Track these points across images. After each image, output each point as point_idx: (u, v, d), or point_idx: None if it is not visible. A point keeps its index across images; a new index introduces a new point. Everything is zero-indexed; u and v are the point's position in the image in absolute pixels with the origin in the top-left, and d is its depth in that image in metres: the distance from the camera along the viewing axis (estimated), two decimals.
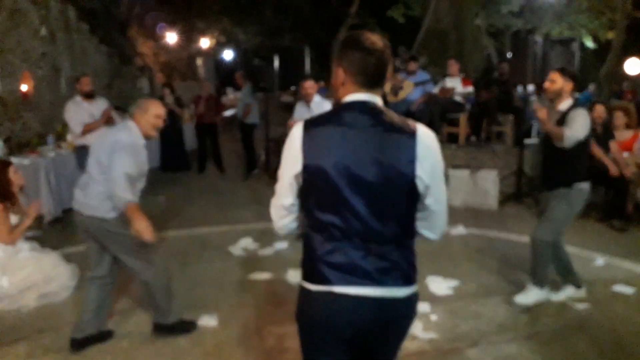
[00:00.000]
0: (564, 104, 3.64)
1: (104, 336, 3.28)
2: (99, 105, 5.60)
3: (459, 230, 5.53)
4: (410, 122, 1.64)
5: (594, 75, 16.30)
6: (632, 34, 15.64)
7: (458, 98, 7.36)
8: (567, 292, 3.88)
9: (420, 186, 1.59)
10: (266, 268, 4.45)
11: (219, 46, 17.29)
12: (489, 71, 12.06)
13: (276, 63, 7.78)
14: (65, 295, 3.89)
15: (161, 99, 7.98)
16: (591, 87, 13.10)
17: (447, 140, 7.19)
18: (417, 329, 3.36)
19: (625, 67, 13.10)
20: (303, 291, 1.66)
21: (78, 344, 3.15)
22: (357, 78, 1.61)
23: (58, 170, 5.79)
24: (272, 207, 1.72)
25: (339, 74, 1.64)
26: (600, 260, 4.63)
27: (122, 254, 3.09)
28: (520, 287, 4.00)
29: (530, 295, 3.80)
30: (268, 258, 4.76)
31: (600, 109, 5.74)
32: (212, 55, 17.14)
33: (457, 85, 7.43)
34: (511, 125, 7.72)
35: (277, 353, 3.14)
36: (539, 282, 3.78)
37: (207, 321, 3.49)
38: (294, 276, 4.24)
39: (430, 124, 7.30)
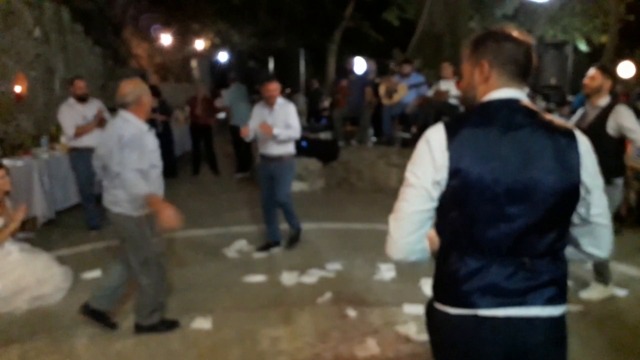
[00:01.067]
0: (603, 100, 3.77)
1: (110, 323, 3.43)
2: (93, 108, 5.57)
3: None
4: (562, 122, 1.49)
5: None
6: (625, 38, 15.79)
7: (452, 100, 7.38)
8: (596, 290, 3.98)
9: (582, 193, 1.43)
10: (260, 271, 4.44)
11: (213, 48, 17.29)
12: None
13: (271, 65, 7.77)
14: (59, 298, 3.87)
15: None
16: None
17: None
18: (411, 331, 3.37)
19: (618, 70, 13.19)
20: (438, 314, 1.50)
21: (88, 311, 3.38)
22: (507, 68, 1.47)
23: (51, 172, 5.76)
24: (395, 221, 1.47)
25: (483, 68, 1.49)
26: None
27: (131, 252, 3.22)
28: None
29: (595, 292, 3.95)
30: (262, 260, 4.76)
31: None
32: (207, 57, 17.13)
33: (451, 88, 7.45)
34: None
35: (271, 356, 3.13)
36: (605, 280, 3.95)
37: (201, 323, 3.49)
38: (288, 278, 4.26)
39: (424, 127, 7.32)
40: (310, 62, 18.37)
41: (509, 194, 1.38)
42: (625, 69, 12.81)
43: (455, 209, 1.43)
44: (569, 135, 1.44)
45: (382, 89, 7.89)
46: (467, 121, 1.46)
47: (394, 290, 4.08)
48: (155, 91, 8.19)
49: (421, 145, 1.47)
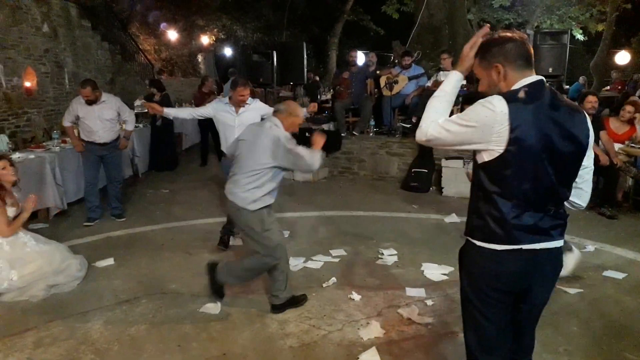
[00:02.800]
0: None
1: (298, 300, 3.68)
2: (106, 107, 5.48)
3: (453, 218, 5.67)
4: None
5: (584, 67, 16.48)
6: (622, 26, 15.82)
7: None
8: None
9: (586, 157, 1.87)
10: None
11: (218, 43, 17.36)
12: None
13: (275, 59, 7.87)
14: (74, 286, 3.98)
15: (150, 98, 8.02)
16: (581, 79, 13.27)
17: None
18: (413, 314, 3.49)
19: (615, 58, 13.27)
20: (486, 254, 1.86)
21: (278, 308, 3.59)
22: (518, 63, 1.80)
23: (63, 164, 5.88)
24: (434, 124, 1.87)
25: (499, 69, 1.82)
26: (590, 247, 4.77)
27: (250, 241, 3.49)
28: None
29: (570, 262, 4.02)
30: None
31: (592, 99, 5.87)
32: (213, 51, 17.21)
33: None
34: None
35: (279, 337, 3.24)
36: (569, 247, 4.06)
37: (211, 308, 3.61)
38: (294, 264, 4.37)
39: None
40: (313, 56, 18.45)
41: (550, 159, 1.76)
42: (621, 57, 12.90)
43: (509, 168, 1.76)
44: (581, 112, 1.86)
45: (382, 81, 7.99)
46: (523, 97, 1.75)
47: (396, 275, 4.21)
48: (158, 85, 8.32)
49: (484, 110, 1.76)
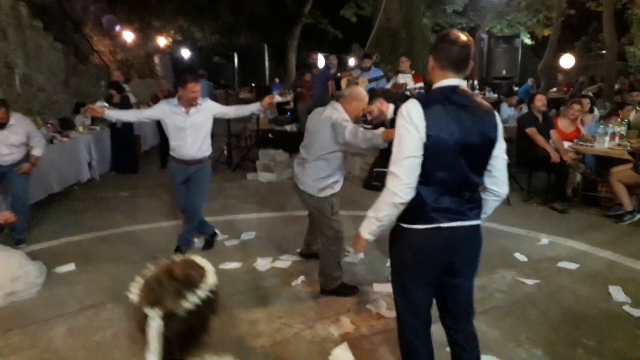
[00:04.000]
0: None
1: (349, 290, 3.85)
2: (14, 131, 4.85)
3: None
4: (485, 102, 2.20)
5: (532, 69, 17.22)
6: (567, 31, 16.66)
7: (417, 91, 7.67)
8: None
9: (495, 148, 2.13)
10: (235, 258, 4.55)
11: (175, 44, 17.07)
12: None
13: (236, 61, 7.84)
14: (33, 293, 3.86)
15: (109, 99, 7.84)
16: (529, 81, 13.89)
17: None
18: (382, 308, 3.58)
19: (560, 61, 13.96)
20: (412, 233, 2.12)
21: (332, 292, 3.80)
22: (444, 63, 2.07)
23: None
24: (407, 180, 2.03)
25: (431, 62, 2.12)
26: (545, 240, 5.00)
27: (321, 223, 3.70)
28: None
29: None
30: (235, 248, 4.86)
31: (541, 100, 6.17)
32: (169, 53, 16.92)
33: (408, 81, 7.74)
34: None
35: (251, 338, 3.24)
36: None
37: None
38: (262, 264, 4.38)
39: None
40: (272, 58, 18.41)
41: (461, 150, 2.02)
42: (566, 61, 13.58)
43: (429, 158, 2.02)
44: (491, 111, 2.15)
45: (344, 82, 8.10)
46: (433, 100, 2.05)
47: (363, 271, 4.29)
48: (117, 87, 8.12)
49: (404, 117, 2.01)
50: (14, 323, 3.43)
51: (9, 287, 3.73)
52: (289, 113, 9.08)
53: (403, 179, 2.01)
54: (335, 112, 3.47)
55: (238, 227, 5.42)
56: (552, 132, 6.08)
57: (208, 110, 4.47)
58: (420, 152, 1.99)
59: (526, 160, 6.30)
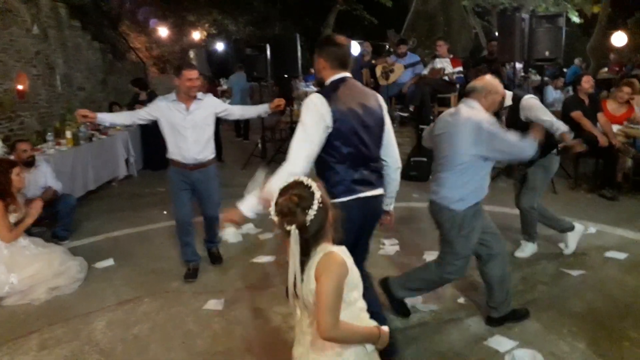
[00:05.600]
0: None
1: (519, 315, 3.26)
2: (39, 174, 5.00)
3: None
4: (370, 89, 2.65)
5: (580, 49, 16.41)
6: (617, 7, 15.74)
7: (448, 78, 7.44)
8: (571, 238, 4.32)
9: (385, 125, 2.57)
10: (268, 252, 4.55)
11: (210, 38, 17.26)
12: (477, 50, 12.11)
13: (268, 52, 7.80)
14: (75, 288, 3.97)
15: (136, 98, 7.94)
16: (577, 61, 13.21)
17: None
18: (417, 301, 3.49)
19: (611, 40, 13.18)
20: (338, 205, 2.18)
21: (496, 322, 3.21)
22: (334, 63, 2.47)
23: (57, 166, 5.83)
24: (302, 159, 2.32)
25: (320, 63, 2.49)
26: (592, 229, 4.76)
27: (443, 242, 3.13)
28: (513, 257, 4.16)
29: (527, 250, 4.26)
30: (269, 242, 4.85)
31: (588, 81, 5.83)
32: (204, 47, 17.13)
33: (446, 66, 7.51)
34: None
35: (284, 331, 3.23)
36: (532, 239, 4.29)
37: (215, 305, 3.60)
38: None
39: (421, 105, 7.40)
40: (306, 48, 18.35)
41: (362, 129, 2.42)
42: (618, 39, 12.80)
43: (338, 140, 2.38)
44: (374, 94, 2.59)
45: (378, 70, 7.94)
46: (333, 90, 2.42)
47: (399, 263, 4.20)
48: (141, 84, 8.24)
49: (309, 106, 2.36)
50: (58, 316, 3.55)
51: (52, 282, 3.86)
52: None
53: (304, 164, 2.31)
54: (476, 112, 2.98)
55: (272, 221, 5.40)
56: (599, 116, 5.76)
57: (210, 106, 3.99)
58: (323, 137, 2.35)
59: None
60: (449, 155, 2.98)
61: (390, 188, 2.67)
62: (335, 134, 2.35)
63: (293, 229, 1.62)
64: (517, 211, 4.32)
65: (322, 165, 2.44)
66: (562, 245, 4.35)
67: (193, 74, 3.77)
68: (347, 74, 2.49)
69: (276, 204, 1.66)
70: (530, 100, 3.77)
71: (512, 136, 2.89)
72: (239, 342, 3.15)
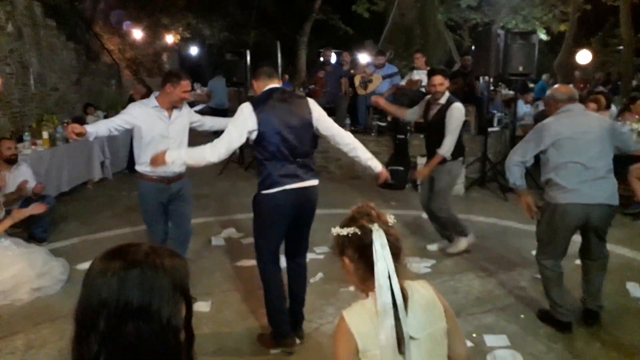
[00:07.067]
0: (443, 98, 4.46)
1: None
2: (19, 174, 5.00)
3: None
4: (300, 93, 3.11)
5: (547, 65, 17.08)
6: (583, 26, 16.46)
7: (424, 89, 7.65)
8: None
9: (316, 124, 2.99)
10: (252, 256, 4.48)
11: (184, 42, 17.14)
12: (451, 64, 12.46)
13: (248, 58, 7.87)
14: (58, 289, 3.94)
15: (131, 98, 7.88)
16: (544, 77, 13.76)
17: (415, 130, 7.44)
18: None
19: (577, 57, 13.80)
20: (267, 197, 2.92)
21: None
22: (263, 77, 3.00)
23: (33, 167, 5.71)
24: (224, 148, 2.84)
25: (253, 85, 3.07)
26: None
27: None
28: (491, 263, 4.33)
29: (461, 244, 4.61)
30: (252, 246, 4.86)
31: None
32: (178, 50, 16.99)
33: (424, 77, 7.71)
34: (474, 115, 8.08)
35: None
36: (463, 233, 4.63)
37: (202, 307, 3.64)
38: (280, 262, 4.39)
39: None
40: (282, 55, 18.47)
41: (288, 130, 2.86)
42: (583, 57, 13.43)
43: (264, 140, 2.86)
44: (305, 99, 3.06)
45: (357, 80, 8.10)
46: (262, 99, 2.92)
47: None
48: (143, 83, 8.14)
49: (238, 114, 2.87)
50: (43, 317, 3.53)
51: (36, 282, 3.82)
52: None
53: (224, 152, 2.83)
54: (599, 114, 3.40)
55: None
56: None
57: (187, 115, 3.73)
58: (244, 138, 2.84)
59: None
60: (602, 158, 3.18)
61: (363, 157, 3.14)
62: (262, 135, 2.84)
63: (376, 227, 1.38)
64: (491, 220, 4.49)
65: (257, 162, 2.99)
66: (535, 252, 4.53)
67: (189, 85, 3.60)
68: (276, 85, 2.98)
69: (352, 218, 1.47)
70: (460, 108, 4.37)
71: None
72: (228, 341, 3.21)
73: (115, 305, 0.92)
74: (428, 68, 7.85)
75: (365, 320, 1.35)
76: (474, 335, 3.25)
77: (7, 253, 3.81)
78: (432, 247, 4.77)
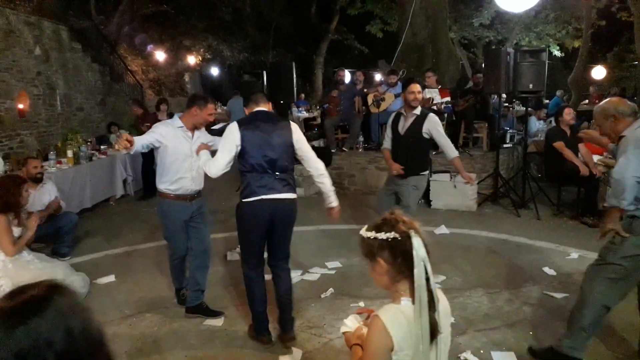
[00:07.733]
0: (418, 109, 4.63)
1: None
2: (45, 191, 5.27)
3: (442, 230, 5.87)
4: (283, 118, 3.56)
5: (562, 81, 17.02)
6: (597, 42, 16.39)
7: (436, 107, 7.73)
8: None
9: (295, 145, 3.32)
10: (266, 271, 4.63)
11: (205, 62, 17.57)
12: (464, 81, 12.53)
13: (265, 78, 8.06)
14: None
15: (137, 117, 8.09)
16: (558, 93, 13.72)
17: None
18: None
19: (592, 73, 13.76)
20: (245, 204, 3.25)
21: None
22: (252, 104, 3.33)
23: (57, 184, 5.95)
24: (214, 168, 3.22)
25: (245, 111, 3.39)
26: (574, 254, 4.98)
27: None
28: (501, 279, 4.34)
29: None
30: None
31: (569, 113, 6.15)
32: (199, 71, 17.41)
33: (435, 96, 7.81)
34: (486, 132, 8.13)
35: (283, 347, 3.36)
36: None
37: (215, 320, 3.74)
38: (292, 277, 4.47)
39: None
40: (299, 74, 18.79)
41: (267, 146, 3.20)
42: (597, 72, 13.39)
43: (246, 154, 3.21)
44: (286, 122, 3.40)
45: (370, 99, 8.23)
46: (247, 120, 3.28)
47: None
48: (166, 102, 8.39)
49: (227, 132, 3.24)
50: None
51: None
52: (315, 129, 9.26)
53: (221, 167, 3.19)
54: None
55: None
56: (580, 146, 6.06)
57: (204, 135, 3.87)
58: (234, 152, 3.19)
59: (555, 174, 6.29)
60: None
61: (323, 190, 3.45)
62: (244, 149, 3.19)
63: (413, 233, 1.47)
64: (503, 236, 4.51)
65: (240, 174, 3.29)
66: (546, 269, 4.56)
67: (214, 108, 3.78)
68: (262, 109, 3.32)
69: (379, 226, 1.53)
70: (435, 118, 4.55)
71: None
72: (240, 356, 3.28)
73: None
74: (439, 86, 7.99)
75: (401, 322, 1.46)
76: (482, 351, 3.27)
77: (30, 267, 3.96)
78: None
